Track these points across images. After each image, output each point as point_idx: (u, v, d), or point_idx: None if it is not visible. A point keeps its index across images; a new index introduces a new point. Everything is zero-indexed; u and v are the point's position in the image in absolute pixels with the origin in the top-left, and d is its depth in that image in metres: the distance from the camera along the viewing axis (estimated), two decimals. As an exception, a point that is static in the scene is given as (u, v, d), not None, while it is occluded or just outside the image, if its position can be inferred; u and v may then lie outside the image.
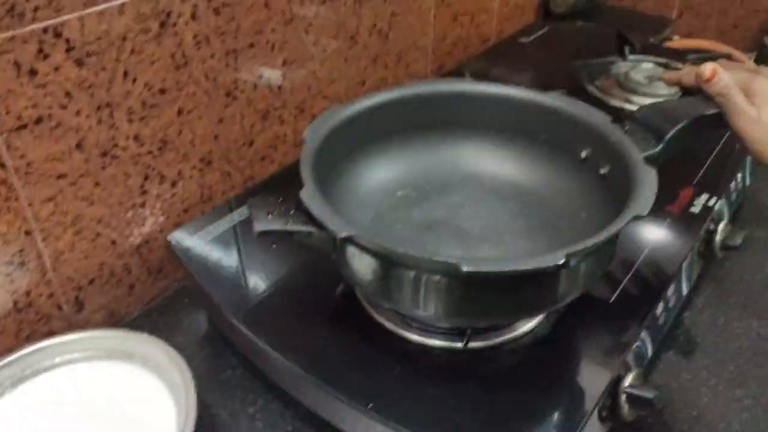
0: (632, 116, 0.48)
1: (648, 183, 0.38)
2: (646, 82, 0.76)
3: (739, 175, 0.67)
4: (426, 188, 0.52)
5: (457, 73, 0.77)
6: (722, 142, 0.68)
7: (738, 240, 0.58)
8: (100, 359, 0.47)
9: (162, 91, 0.51)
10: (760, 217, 0.70)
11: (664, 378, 0.51)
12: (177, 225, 0.57)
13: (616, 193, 0.43)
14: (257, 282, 0.50)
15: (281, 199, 0.39)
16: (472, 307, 0.36)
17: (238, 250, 0.53)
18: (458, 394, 0.41)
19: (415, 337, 0.45)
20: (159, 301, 0.58)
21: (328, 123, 0.45)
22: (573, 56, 0.85)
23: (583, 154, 0.48)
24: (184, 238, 0.54)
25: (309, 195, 0.37)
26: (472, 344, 0.43)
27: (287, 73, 0.62)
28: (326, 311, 0.48)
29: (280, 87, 0.62)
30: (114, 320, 0.56)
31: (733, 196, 0.66)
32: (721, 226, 0.58)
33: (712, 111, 0.47)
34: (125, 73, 0.47)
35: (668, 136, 0.45)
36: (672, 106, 0.47)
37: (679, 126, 0.45)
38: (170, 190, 0.56)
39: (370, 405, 0.39)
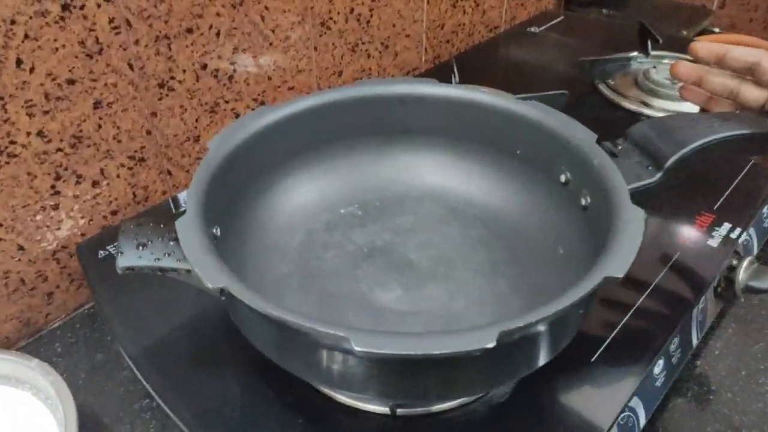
0: (627, 134, 0.38)
1: (630, 232, 0.29)
2: (668, 82, 0.65)
3: (775, 199, 0.56)
4: (374, 206, 0.43)
5: (448, 65, 0.67)
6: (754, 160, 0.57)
7: (765, 282, 0.47)
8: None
9: (71, 82, 0.43)
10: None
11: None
12: (103, 228, 0.51)
13: (598, 229, 0.34)
14: (165, 312, 0.42)
15: (163, 224, 0.31)
16: (377, 385, 0.28)
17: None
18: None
19: (341, 398, 0.36)
20: (86, 310, 0.52)
21: (245, 129, 0.37)
22: (589, 50, 0.74)
23: (563, 177, 0.38)
24: (95, 247, 0.47)
25: (185, 225, 0.29)
26: (404, 411, 0.35)
27: (239, 61, 0.54)
28: (240, 356, 0.40)
29: (230, 77, 0.55)
30: (31, 330, 0.50)
31: (766, 223, 0.55)
32: (745, 264, 0.47)
33: (734, 133, 0.37)
34: (18, 62, 0.40)
35: (669, 162, 0.35)
36: (679, 123, 0.37)
37: (685, 150, 0.35)
38: (91, 191, 0.49)
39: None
